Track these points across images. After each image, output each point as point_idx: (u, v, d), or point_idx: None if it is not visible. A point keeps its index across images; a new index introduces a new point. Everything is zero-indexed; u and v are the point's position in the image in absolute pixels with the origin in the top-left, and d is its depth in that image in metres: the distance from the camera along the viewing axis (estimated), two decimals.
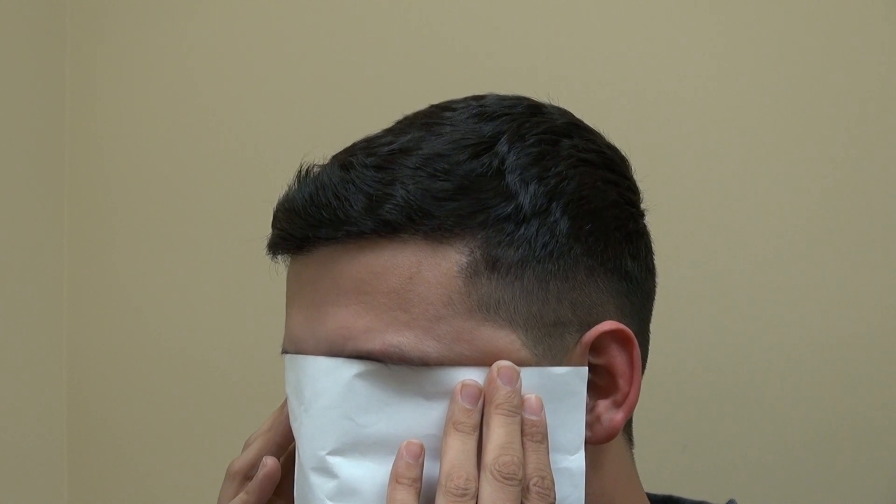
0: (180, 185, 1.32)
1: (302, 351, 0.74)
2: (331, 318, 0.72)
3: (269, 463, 0.78)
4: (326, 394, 0.72)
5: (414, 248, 0.71)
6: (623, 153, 0.80)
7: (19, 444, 1.28)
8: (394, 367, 0.70)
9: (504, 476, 0.66)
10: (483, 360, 0.70)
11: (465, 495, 0.65)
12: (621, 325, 0.74)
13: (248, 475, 0.80)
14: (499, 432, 0.68)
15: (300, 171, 0.78)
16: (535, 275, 0.72)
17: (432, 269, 0.71)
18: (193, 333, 1.31)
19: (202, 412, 1.32)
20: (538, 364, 0.71)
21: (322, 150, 0.84)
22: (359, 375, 0.71)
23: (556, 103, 0.80)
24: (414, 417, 0.71)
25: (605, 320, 0.73)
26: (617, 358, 0.74)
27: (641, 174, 0.81)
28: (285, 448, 0.81)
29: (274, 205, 0.78)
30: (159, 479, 1.33)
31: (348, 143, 0.79)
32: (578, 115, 0.80)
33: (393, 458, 0.70)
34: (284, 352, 0.77)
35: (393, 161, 0.72)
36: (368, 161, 0.72)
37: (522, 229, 0.72)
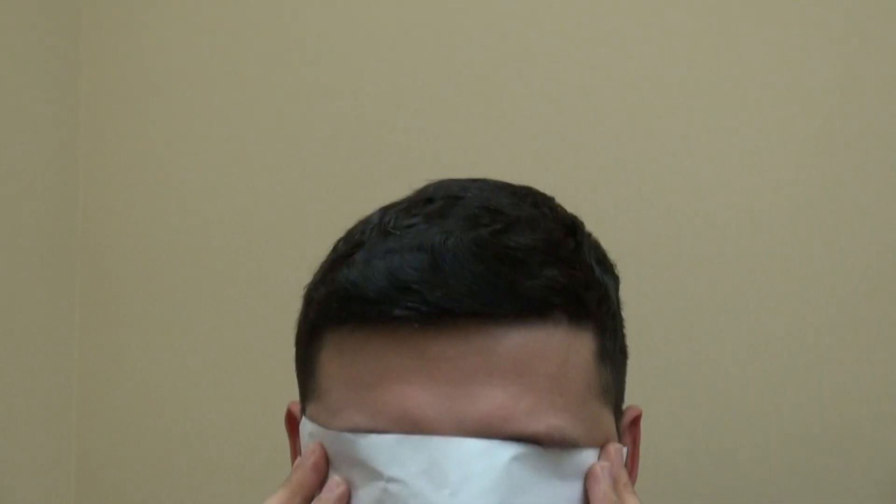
0: (191, 264, 1.31)
1: (428, 431, 0.70)
2: (484, 397, 0.70)
3: (345, 486, 0.71)
4: (481, 477, 0.69)
5: (564, 331, 0.72)
6: None
7: None
8: (549, 449, 0.71)
9: None
10: (601, 441, 0.75)
11: None
12: (641, 410, 0.84)
13: None
14: None
15: (385, 232, 0.74)
16: (617, 364, 0.79)
17: (577, 353, 0.73)
18: (202, 412, 1.29)
19: (211, 489, 1.27)
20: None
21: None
22: (515, 458, 0.70)
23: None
24: (552, 498, 0.72)
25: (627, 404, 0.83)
26: (628, 438, 0.83)
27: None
28: None
29: (345, 273, 0.73)
30: None
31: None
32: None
33: None
34: (384, 431, 0.71)
35: (526, 241, 0.72)
36: (506, 240, 0.72)
37: (614, 321, 0.78)
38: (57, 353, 1.32)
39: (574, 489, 0.73)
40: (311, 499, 0.73)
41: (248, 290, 1.28)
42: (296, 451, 0.83)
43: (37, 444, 1.29)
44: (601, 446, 0.75)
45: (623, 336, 0.81)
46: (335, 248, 0.79)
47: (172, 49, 1.33)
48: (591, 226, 0.82)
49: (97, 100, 1.35)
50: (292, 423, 0.83)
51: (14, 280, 1.26)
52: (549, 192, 0.83)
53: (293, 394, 0.83)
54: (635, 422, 0.84)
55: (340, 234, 0.81)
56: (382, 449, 0.70)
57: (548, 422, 0.71)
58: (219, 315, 1.30)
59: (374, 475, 0.71)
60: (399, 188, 0.83)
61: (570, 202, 0.83)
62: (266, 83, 1.29)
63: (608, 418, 0.76)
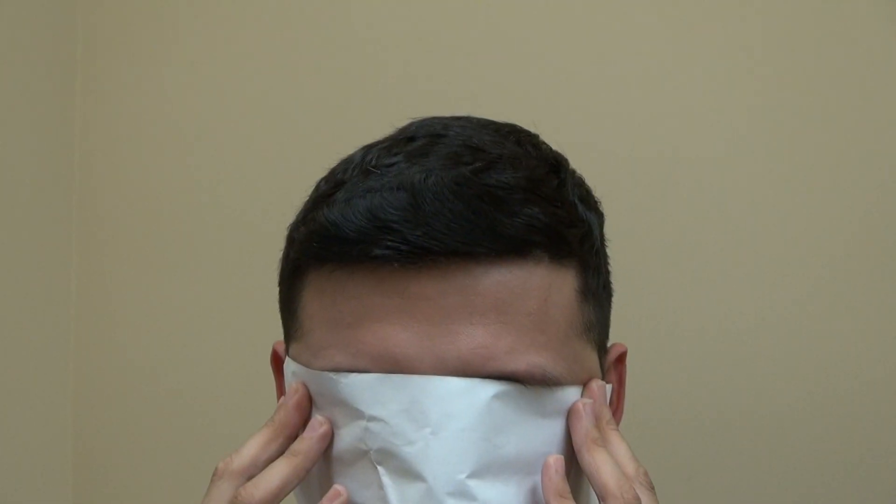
0: (191, 205, 1.29)
1: (408, 370, 0.70)
2: (464, 336, 0.70)
3: (328, 425, 0.72)
4: (462, 415, 0.69)
5: (545, 270, 0.72)
6: None
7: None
8: (531, 387, 0.71)
9: (650, 485, 0.72)
10: (583, 379, 0.75)
11: None
12: (626, 347, 0.83)
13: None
14: (623, 446, 0.74)
15: (366, 171, 0.73)
16: (601, 301, 0.79)
17: (558, 291, 0.73)
18: (199, 357, 1.28)
19: (209, 434, 1.27)
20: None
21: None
22: (496, 396, 0.70)
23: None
24: (534, 436, 0.72)
25: (611, 341, 0.82)
26: (614, 375, 0.83)
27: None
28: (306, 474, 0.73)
29: (326, 212, 0.72)
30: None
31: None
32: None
33: (518, 477, 0.71)
34: (364, 371, 0.71)
35: (507, 179, 0.72)
36: (487, 179, 0.71)
37: (597, 259, 0.78)
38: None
39: (556, 427, 0.73)
40: (294, 438, 0.74)
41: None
42: (281, 390, 0.84)
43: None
44: (584, 384, 0.75)
45: (607, 273, 0.81)
46: (317, 188, 0.79)
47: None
48: (575, 162, 0.81)
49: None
50: (277, 363, 0.84)
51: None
52: (533, 129, 0.82)
53: None
54: (620, 359, 0.83)
55: None
56: (363, 388, 0.70)
57: (528, 360, 0.71)
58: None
59: (356, 414, 0.71)
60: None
61: (555, 138, 0.82)
62: (259, 29, 1.28)
63: (591, 356, 0.76)
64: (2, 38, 1.23)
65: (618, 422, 0.83)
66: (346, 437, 0.72)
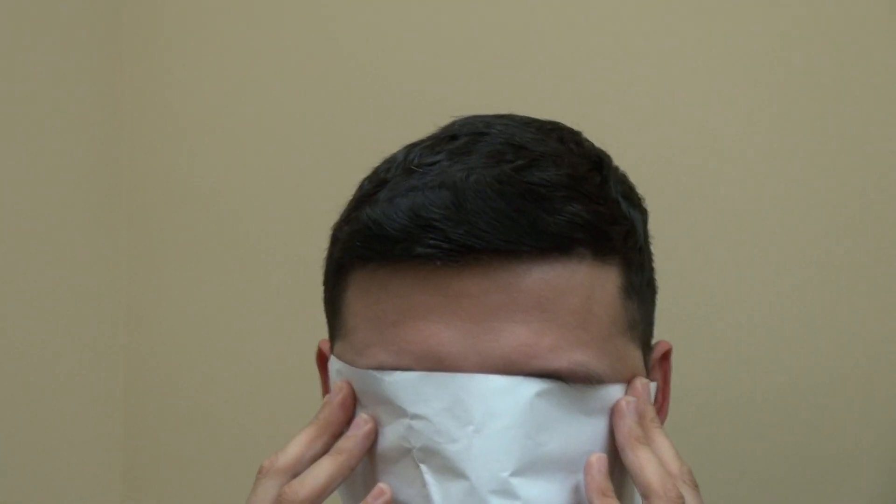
0: (239, 208, 1.30)
1: (451, 368, 0.70)
2: (507, 334, 0.70)
3: (372, 423, 0.73)
4: (506, 414, 0.69)
5: (588, 267, 0.72)
6: None
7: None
8: (574, 385, 0.71)
9: (694, 483, 0.72)
10: (627, 377, 0.75)
11: None
12: (670, 345, 0.83)
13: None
14: (667, 444, 0.73)
15: (408, 170, 0.74)
16: (645, 299, 0.78)
17: (601, 289, 0.73)
18: (249, 356, 1.29)
19: (255, 433, 1.28)
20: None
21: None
22: (539, 394, 0.70)
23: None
24: (577, 434, 0.72)
25: (656, 339, 0.82)
26: (658, 373, 0.83)
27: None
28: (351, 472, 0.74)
29: (369, 211, 0.73)
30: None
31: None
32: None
33: (561, 475, 0.71)
34: (408, 369, 0.71)
35: (549, 177, 0.72)
36: (529, 176, 0.71)
37: (640, 256, 0.78)
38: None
39: (599, 425, 0.73)
40: (339, 436, 0.74)
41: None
42: (326, 387, 0.84)
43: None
44: (628, 381, 0.74)
45: (651, 270, 0.80)
46: (360, 187, 0.79)
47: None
48: (619, 160, 0.81)
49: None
50: (322, 361, 0.84)
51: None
52: (576, 127, 0.82)
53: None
54: (665, 357, 0.83)
55: None
56: (406, 386, 0.71)
57: (571, 357, 0.70)
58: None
59: (399, 412, 0.71)
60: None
61: (598, 136, 0.82)
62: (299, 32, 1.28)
63: (635, 353, 0.76)
64: (47, 34, 1.24)
65: (662, 420, 0.83)
66: (390, 436, 0.72)
